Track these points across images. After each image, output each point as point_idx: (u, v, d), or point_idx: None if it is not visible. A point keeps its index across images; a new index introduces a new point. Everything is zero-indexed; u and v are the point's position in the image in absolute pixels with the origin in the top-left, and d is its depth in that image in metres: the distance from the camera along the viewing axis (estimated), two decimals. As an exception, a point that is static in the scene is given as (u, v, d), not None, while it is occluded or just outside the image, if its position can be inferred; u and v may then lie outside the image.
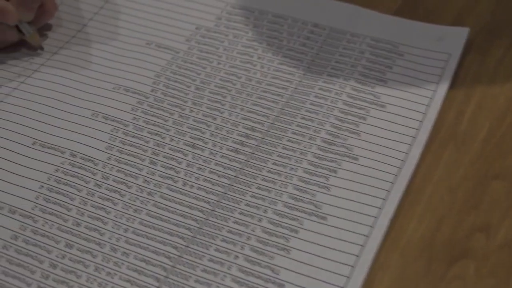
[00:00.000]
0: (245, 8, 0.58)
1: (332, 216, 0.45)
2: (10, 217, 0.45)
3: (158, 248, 0.43)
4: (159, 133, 0.50)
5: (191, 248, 0.44)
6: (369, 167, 0.48)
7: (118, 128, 0.50)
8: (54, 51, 0.56)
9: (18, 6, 0.53)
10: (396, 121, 0.50)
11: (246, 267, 0.42)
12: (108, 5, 0.59)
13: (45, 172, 0.47)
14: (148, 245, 0.44)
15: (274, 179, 0.47)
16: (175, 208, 0.45)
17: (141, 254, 0.43)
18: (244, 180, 0.47)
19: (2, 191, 0.46)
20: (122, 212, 0.45)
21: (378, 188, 0.46)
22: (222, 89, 0.53)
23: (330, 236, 0.44)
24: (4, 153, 0.48)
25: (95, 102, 0.51)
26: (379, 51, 0.55)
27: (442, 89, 0.52)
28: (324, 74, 0.53)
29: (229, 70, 0.54)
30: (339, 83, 0.52)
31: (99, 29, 0.57)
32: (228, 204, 0.46)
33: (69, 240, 0.44)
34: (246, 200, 0.46)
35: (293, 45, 0.55)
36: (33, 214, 0.45)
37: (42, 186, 0.47)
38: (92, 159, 0.48)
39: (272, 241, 0.44)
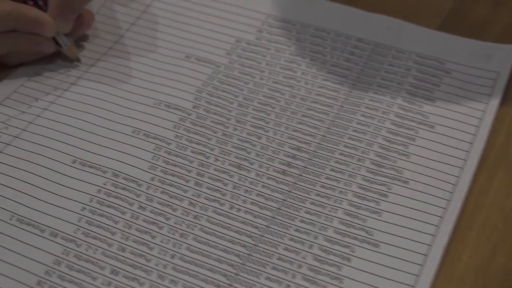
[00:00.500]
0: (286, 21, 0.56)
1: (385, 243, 0.43)
2: (52, 240, 0.43)
3: (207, 276, 0.42)
4: (203, 152, 0.48)
5: (240, 276, 0.42)
6: (420, 191, 0.46)
7: (161, 147, 0.48)
8: (91, 63, 0.54)
9: (56, 17, 0.50)
10: (446, 142, 0.48)
11: (300, 298, 0.41)
12: (145, 15, 0.57)
13: (87, 193, 0.45)
14: (197, 272, 0.42)
15: (323, 203, 0.45)
16: (222, 233, 0.44)
17: (190, 282, 0.41)
18: (292, 204, 0.45)
19: (43, 212, 0.44)
20: (168, 236, 0.43)
21: (431, 214, 0.44)
22: (266, 106, 0.51)
23: (384, 265, 0.42)
24: (43, 172, 0.46)
25: (135, 119, 0.49)
26: (425, 68, 0.53)
27: (492, 109, 0.50)
28: (370, 92, 0.51)
29: (272, 86, 0.52)
30: (386, 101, 0.51)
31: (137, 40, 0.55)
32: (277, 230, 0.44)
33: (115, 266, 0.42)
34: (296, 226, 0.44)
35: (337, 60, 0.53)
36: (75, 237, 0.43)
37: (85, 208, 0.45)
38: (135, 179, 0.46)
39: (324, 269, 0.42)
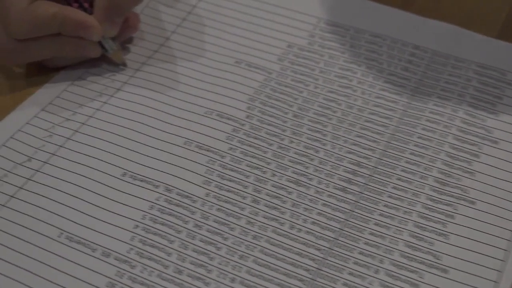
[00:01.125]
0: (339, 26, 0.53)
1: (454, 269, 0.41)
2: (105, 261, 0.40)
3: (270, 303, 0.39)
4: (259, 166, 0.45)
5: (305, 303, 0.39)
6: (488, 212, 0.43)
7: (215, 160, 0.45)
8: (137, 67, 0.51)
9: (103, 21, 0.47)
10: (512, 159, 0.45)
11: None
12: (191, 16, 0.54)
13: (139, 209, 0.43)
14: (259, 298, 0.39)
15: (387, 223, 0.43)
16: (283, 255, 0.41)
17: (252, 309, 0.39)
18: (355, 224, 0.42)
19: (93, 230, 0.42)
20: (226, 258, 0.41)
21: (500, 237, 0.42)
22: (322, 117, 0.48)
23: (454, 293, 0.40)
24: (91, 185, 0.44)
25: (187, 129, 0.47)
26: (486, 79, 0.50)
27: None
28: (430, 104, 0.49)
29: (327, 95, 0.49)
30: (447, 114, 0.48)
31: (183, 43, 0.52)
32: (341, 252, 0.41)
33: (172, 290, 0.39)
34: (360, 248, 0.41)
35: (394, 69, 0.51)
36: (129, 258, 0.40)
37: (137, 226, 0.42)
38: (190, 195, 0.43)
39: (392, 296, 0.39)
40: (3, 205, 0.43)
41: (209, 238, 0.42)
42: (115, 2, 0.47)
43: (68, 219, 0.42)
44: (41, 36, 0.47)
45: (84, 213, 0.42)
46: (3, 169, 0.44)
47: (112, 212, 0.42)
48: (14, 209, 0.43)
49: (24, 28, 0.45)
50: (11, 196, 0.43)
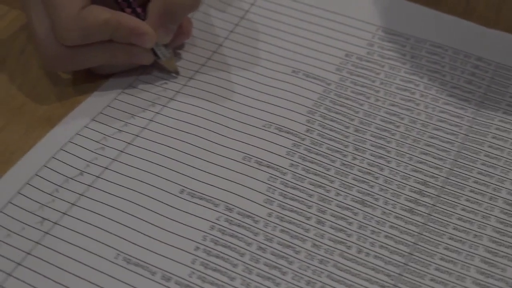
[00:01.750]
0: (399, 34, 0.51)
1: (530, 298, 0.38)
2: (165, 285, 0.38)
3: (341, 333, 0.37)
4: (322, 184, 0.43)
5: (377, 333, 0.37)
6: (562, 237, 0.41)
7: (276, 177, 0.43)
8: (189, 75, 0.48)
9: (157, 27, 0.45)
10: None
11: None
12: (244, 22, 0.52)
13: (199, 230, 0.40)
14: (329, 328, 0.37)
15: (457, 248, 0.40)
16: (352, 281, 0.39)
17: None
18: (424, 249, 0.40)
19: (151, 251, 0.39)
20: (293, 284, 0.39)
21: None
22: (385, 132, 0.45)
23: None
24: (147, 202, 0.41)
25: (245, 143, 0.44)
26: (554, 94, 0.47)
27: None
28: (496, 120, 0.46)
29: (389, 109, 0.47)
30: (515, 131, 0.46)
31: (236, 50, 0.50)
32: (411, 279, 0.39)
33: (238, 318, 0.37)
34: (430, 274, 0.40)
35: (458, 82, 0.48)
36: (191, 283, 0.38)
37: (198, 248, 0.40)
38: (251, 215, 0.41)
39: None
40: (55, 223, 0.41)
41: (273, 262, 0.39)
42: (170, 8, 0.45)
43: (124, 239, 0.40)
44: (92, 42, 0.44)
45: (142, 233, 0.40)
46: (54, 183, 0.42)
47: (171, 233, 0.40)
48: (66, 227, 0.40)
49: (75, 34, 0.43)
50: (63, 213, 0.41)
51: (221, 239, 0.40)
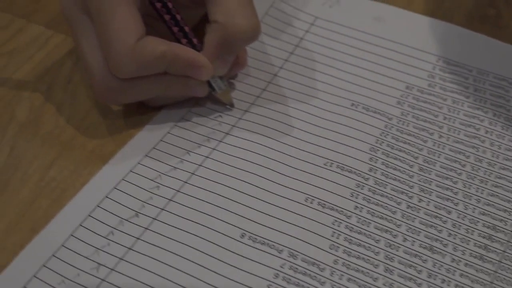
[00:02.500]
0: (460, 65, 0.49)
1: None
2: (230, 338, 0.36)
3: None
4: (389, 229, 0.41)
5: None
6: None
7: (340, 221, 0.41)
8: (245, 108, 0.47)
9: (213, 60, 0.43)
10: None
11: None
12: (299, 50, 0.50)
13: (263, 278, 0.39)
14: None
15: (532, 299, 0.38)
16: (425, 336, 0.37)
17: None
18: (498, 300, 0.38)
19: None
20: (363, 338, 0.37)
21: None
22: (450, 171, 0.44)
23: None
24: (208, 247, 0.40)
25: (306, 183, 0.43)
26: None
27: None
28: None
29: (454, 146, 0.45)
30: None
31: (291, 80, 0.48)
32: (486, 333, 0.37)
33: None
34: (506, 328, 0.37)
35: (524, 117, 0.46)
36: (257, 336, 0.36)
37: (263, 298, 0.38)
38: (317, 262, 0.39)
39: None
40: (112, 269, 0.39)
41: (342, 314, 0.38)
42: (229, 39, 0.43)
43: (183, 287, 0.38)
44: (147, 75, 0.43)
45: (202, 281, 0.38)
46: (109, 225, 0.41)
47: (233, 281, 0.38)
48: (123, 274, 0.39)
49: (131, 67, 0.41)
50: (120, 258, 0.39)
51: (286, 288, 0.38)
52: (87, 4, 0.42)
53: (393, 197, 0.42)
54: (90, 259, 0.39)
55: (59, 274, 0.39)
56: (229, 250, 0.40)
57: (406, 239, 0.41)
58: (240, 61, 0.46)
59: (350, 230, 0.41)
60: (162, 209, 0.41)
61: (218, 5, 0.42)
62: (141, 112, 0.46)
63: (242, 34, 0.43)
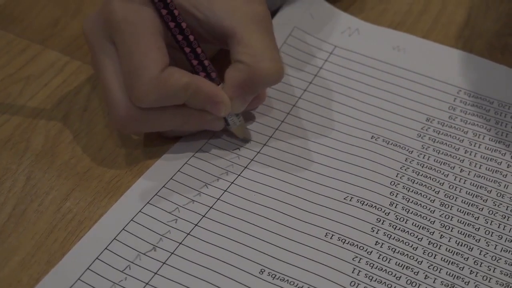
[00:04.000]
0: (482, 97, 0.49)
1: None
2: None
3: None
4: (410, 265, 0.41)
5: None
6: None
7: (361, 256, 0.41)
8: (263, 141, 0.47)
9: (233, 98, 0.43)
10: None
11: None
12: (318, 79, 0.50)
13: (283, 316, 0.38)
14: None
15: None
16: None
17: None
18: None
19: None
20: None
21: None
22: (472, 206, 0.44)
23: None
24: (227, 284, 0.40)
25: (325, 218, 0.43)
26: None
27: None
28: None
29: (475, 180, 0.45)
30: None
31: (310, 112, 0.48)
32: None
33: None
34: None
35: (546, 151, 0.46)
36: None
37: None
38: (337, 300, 0.39)
39: None
40: (130, 305, 0.39)
41: None
42: (253, 80, 0.43)
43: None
44: (167, 106, 0.43)
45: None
46: (126, 259, 0.41)
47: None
48: (141, 309, 0.39)
49: (153, 97, 0.42)
50: (137, 293, 0.39)
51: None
52: (112, 31, 0.42)
53: (414, 232, 0.42)
54: (108, 294, 0.39)
55: (76, 310, 0.39)
56: (248, 287, 0.40)
57: (427, 276, 0.41)
58: (259, 96, 0.46)
59: (371, 266, 0.41)
60: (180, 243, 0.41)
61: (244, 46, 0.43)
62: (158, 142, 0.46)
63: (267, 77, 0.43)
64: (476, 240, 0.42)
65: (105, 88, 0.43)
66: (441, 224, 0.43)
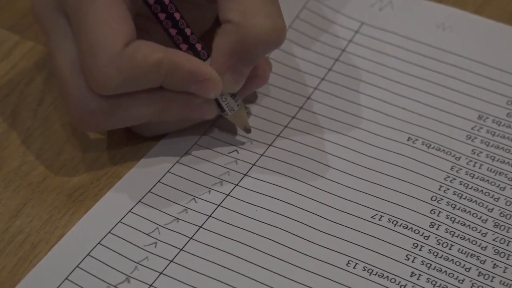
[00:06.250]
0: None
1: None
2: None
3: None
4: (453, 300, 0.43)
5: None
6: None
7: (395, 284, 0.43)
8: (268, 141, 0.49)
9: (224, 72, 0.45)
10: None
11: None
12: (339, 65, 0.52)
13: None
14: None
15: None
16: None
17: None
18: None
19: None
20: None
21: None
22: (534, 227, 0.45)
23: None
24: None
25: (348, 241, 0.45)
26: None
27: None
28: None
29: (536, 194, 0.47)
30: None
31: (329, 106, 0.50)
32: None
33: None
34: None
35: None
36: None
37: None
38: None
39: None
40: None
41: None
42: (244, 44, 0.44)
43: None
44: (137, 91, 0.44)
45: None
46: (90, 293, 0.42)
47: None
48: None
49: (117, 80, 0.43)
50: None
51: None
52: (64, 2, 0.44)
53: (461, 261, 0.44)
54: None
55: None
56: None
57: (475, 313, 0.43)
58: (259, 73, 0.47)
59: (407, 299, 0.43)
60: (161, 273, 0.43)
61: (233, 1, 0.44)
62: (132, 143, 0.48)
63: (262, 37, 0.44)
64: (538, 269, 0.44)
65: (59, 75, 0.44)
66: (494, 251, 0.44)
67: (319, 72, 0.52)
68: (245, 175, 0.47)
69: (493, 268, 0.44)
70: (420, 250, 0.44)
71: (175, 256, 0.44)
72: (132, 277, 0.43)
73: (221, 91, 0.45)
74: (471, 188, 0.47)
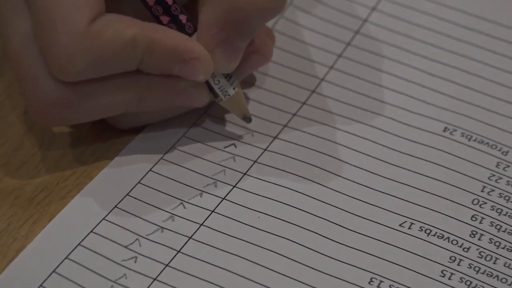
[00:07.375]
0: None
1: None
2: None
3: None
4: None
5: None
6: None
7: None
8: (273, 133, 0.48)
9: (214, 47, 0.44)
10: None
11: None
12: (358, 39, 0.52)
13: None
14: None
15: None
16: None
17: None
18: None
19: None
20: None
21: None
22: None
23: None
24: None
25: (369, 254, 0.44)
26: None
27: None
28: None
29: None
30: None
31: (345, 88, 0.51)
32: None
33: None
34: None
35: None
36: None
37: None
38: None
39: None
40: None
41: None
42: (237, 13, 0.43)
43: None
44: (110, 76, 0.44)
45: None
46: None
47: None
48: None
49: (83, 62, 0.42)
50: None
51: None
52: None
53: (507, 278, 0.43)
54: None
55: None
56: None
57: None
58: (260, 48, 0.47)
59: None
60: None
61: None
62: (105, 138, 0.48)
63: (258, 2, 0.43)
64: None
65: (14, 60, 0.44)
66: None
67: (335, 48, 0.52)
68: (244, 174, 0.47)
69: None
70: (458, 265, 0.44)
71: (159, 274, 0.43)
72: (107, 300, 0.42)
73: (212, 72, 0.45)
74: (519, 187, 0.46)
